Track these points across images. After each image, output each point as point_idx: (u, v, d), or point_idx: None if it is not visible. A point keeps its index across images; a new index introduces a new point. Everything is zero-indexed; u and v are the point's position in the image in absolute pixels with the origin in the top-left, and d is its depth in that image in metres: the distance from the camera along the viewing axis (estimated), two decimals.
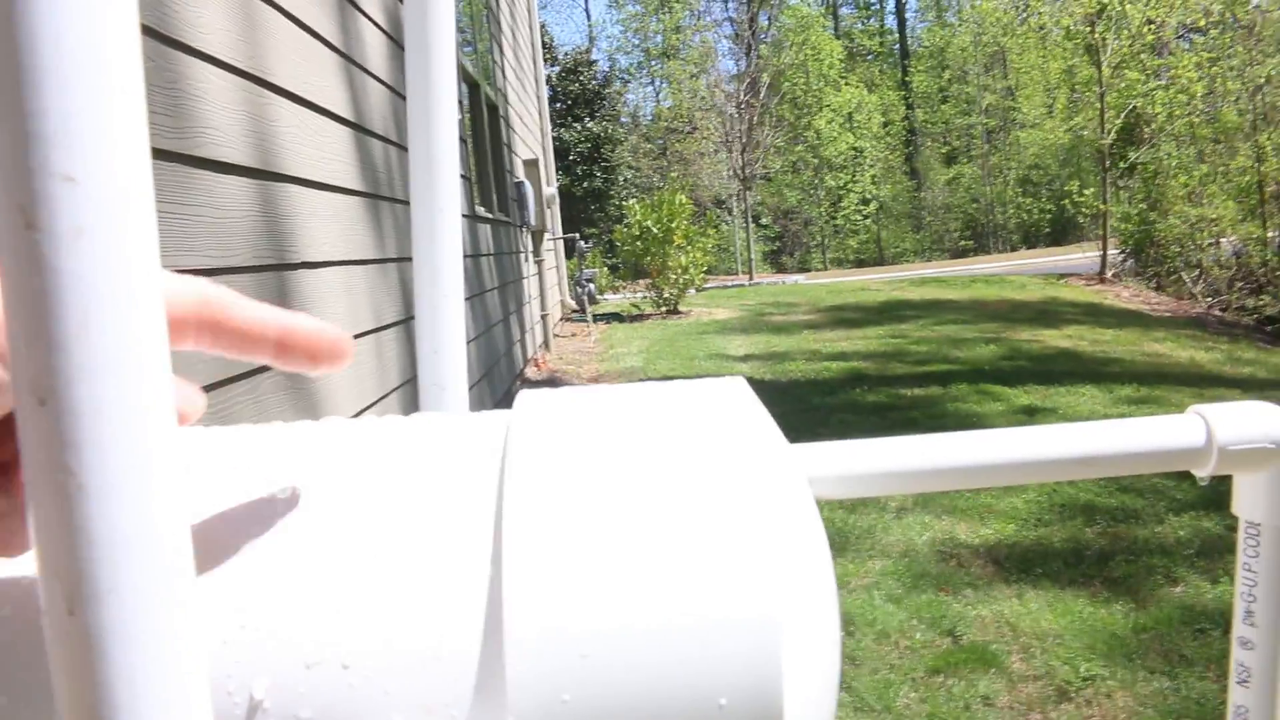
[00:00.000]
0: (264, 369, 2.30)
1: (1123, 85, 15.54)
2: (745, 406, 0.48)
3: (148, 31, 1.86)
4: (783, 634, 0.40)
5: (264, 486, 0.46)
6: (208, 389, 1.89)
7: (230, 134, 2.25)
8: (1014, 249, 32.28)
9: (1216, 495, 4.15)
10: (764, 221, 35.79)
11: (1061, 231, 30.98)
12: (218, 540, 0.42)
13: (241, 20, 2.40)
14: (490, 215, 6.46)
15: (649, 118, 38.15)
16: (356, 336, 3.11)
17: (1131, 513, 4.19)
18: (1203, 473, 0.62)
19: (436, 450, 0.49)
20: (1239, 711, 0.64)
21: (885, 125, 37.14)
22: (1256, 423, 0.60)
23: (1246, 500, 0.61)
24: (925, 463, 0.60)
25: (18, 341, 0.24)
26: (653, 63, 37.18)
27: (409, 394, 3.76)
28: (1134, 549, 3.82)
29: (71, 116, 0.22)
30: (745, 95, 27.71)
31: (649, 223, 12.89)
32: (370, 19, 3.74)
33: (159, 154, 1.88)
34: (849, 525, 4.31)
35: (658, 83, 37.74)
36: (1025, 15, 19.64)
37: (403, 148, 4.12)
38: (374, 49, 3.76)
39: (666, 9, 35.33)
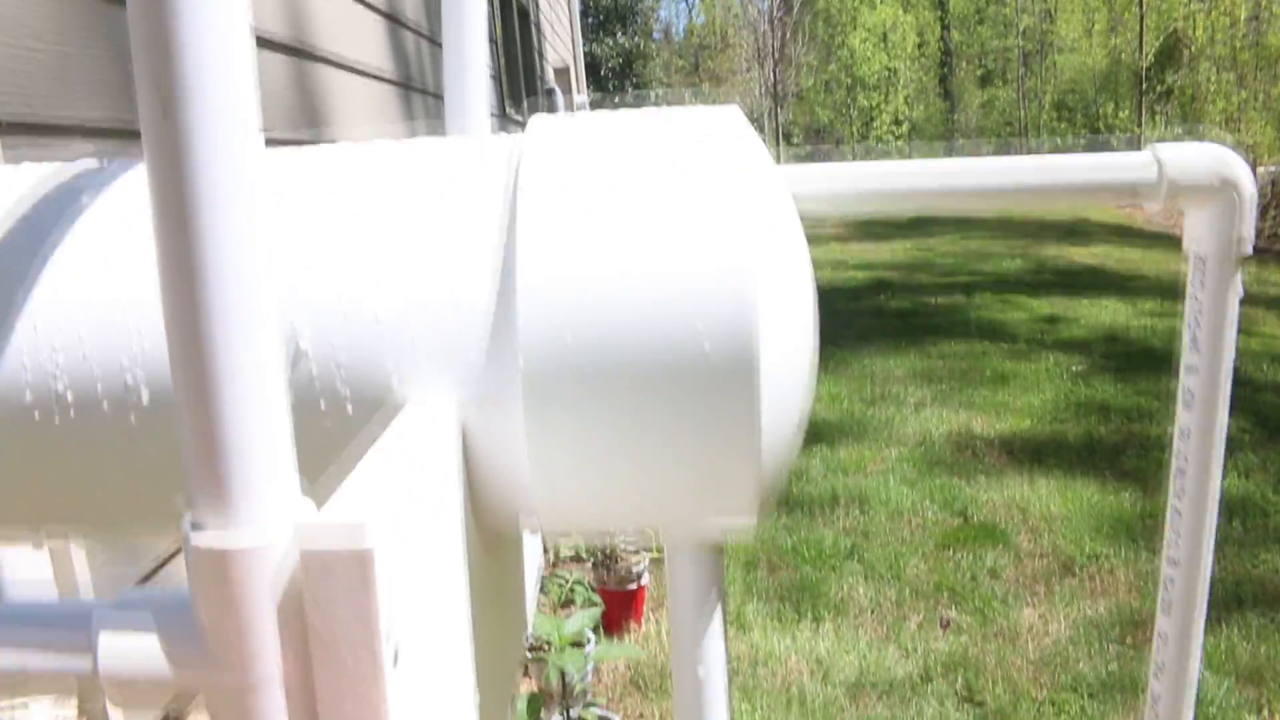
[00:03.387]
0: None
1: (1164, 6, 15.28)
2: (733, 125, 0.56)
3: None
4: (756, 286, 0.48)
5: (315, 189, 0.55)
6: None
7: (265, 6, 2.30)
8: None
9: (1234, 399, 4.18)
10: (795, 140, 35.39)
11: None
12: (283, 232, 0.51)
13: None
14: (520, 118, 6.49)
15: (681, 34, 37.72)
16: None
17: (1146, 412, 4.25)
18: (1153, 206, 0.70)
19: (462, 156, 0.57)
20: (1183, 431, 0.73)
21: (920, 46, 36.37)
22: (1206, 161, 0.67)
23: (1194, 235, 0.69)
24: (899, 184, 0.68)
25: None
26: None
27: None
28: (1146, 444, 3.88)
29: None
30: (779, 11, 27.30)
31: None
32: None
33: None
34: (868, 417, 4.39)
35: None
36: None
37: (435, 42, 4.15)
38: None
39: None
